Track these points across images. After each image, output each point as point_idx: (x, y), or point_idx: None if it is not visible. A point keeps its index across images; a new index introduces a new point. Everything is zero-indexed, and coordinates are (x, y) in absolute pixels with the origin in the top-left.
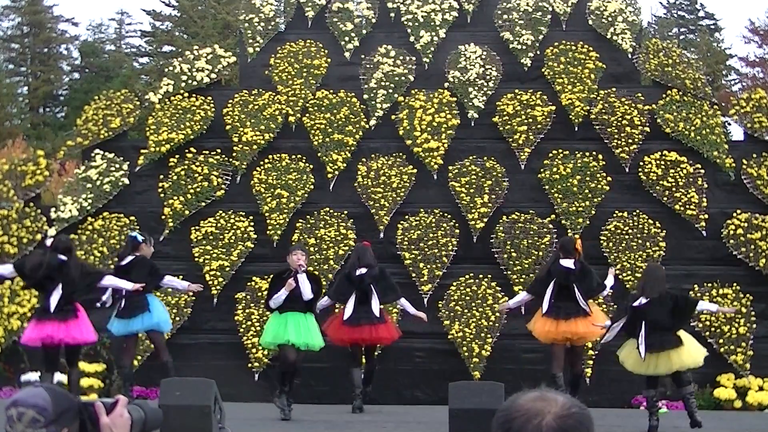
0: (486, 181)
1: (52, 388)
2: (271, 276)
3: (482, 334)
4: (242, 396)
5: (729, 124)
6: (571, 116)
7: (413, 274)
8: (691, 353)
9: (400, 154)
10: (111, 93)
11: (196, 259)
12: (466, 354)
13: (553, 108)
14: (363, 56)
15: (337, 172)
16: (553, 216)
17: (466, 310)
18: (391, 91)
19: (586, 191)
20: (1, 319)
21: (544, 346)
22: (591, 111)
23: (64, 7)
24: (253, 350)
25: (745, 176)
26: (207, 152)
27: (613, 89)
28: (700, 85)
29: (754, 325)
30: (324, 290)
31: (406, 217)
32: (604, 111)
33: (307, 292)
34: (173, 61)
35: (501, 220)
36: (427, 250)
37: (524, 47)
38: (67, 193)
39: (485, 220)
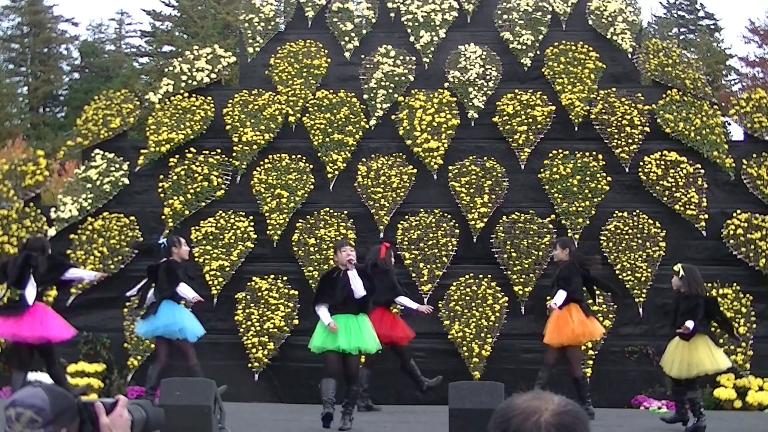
0: (486, 181)
1: (51, 388)
2: (321, 277)
3: (482, 334)
4: (242, 396)
5: (729, 124)
6: (571, 116)
7: (413, 274)
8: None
9: (400, 154)
10: (111, 93)
11: (196, 259)
12: (466, 354)
13: (553, 108)
14: (363, 56)
15: (337, 172)
16: (553, 216)
17: (466, 310)
18: (391, 91)
19: (586, 191)
20: None
21: (544, 347)
22: (591, 111)
23: (64, 7)
24: (253, 350)
25: (745, 176)
26: (207, 152)
27: (613, 89)
28: (700, 85)
29: (754, 325)
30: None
31: (406, 217)
32: (604, 111)
33: (359, 290)
34: (173, 61)
35: (501, 220)
36: (427, 250)
37: (524, 47)
38: (67, 193)
39: (485, 220)
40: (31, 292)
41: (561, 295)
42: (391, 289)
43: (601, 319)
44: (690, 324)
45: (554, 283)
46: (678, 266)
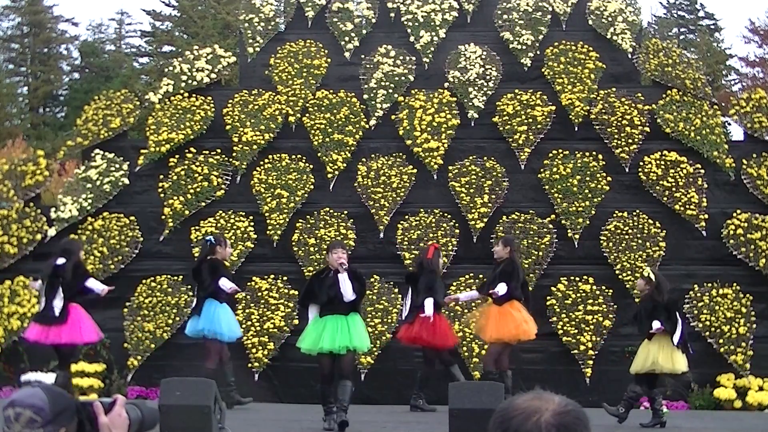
0: (486, 181)
1: (50, 387)
2: (310, 277)
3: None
4: (242, 396)
5: (729, 124)
6: (571, 116)
7: None
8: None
9: (400, 154)
10: (111, 93)
11: (196, 259)
12: (466, 354)
13: (553, 108)
14: (363, 56)
15: (337, 172)
16: (553, 216)
17: (466, 310)
18: (391, 91)
19: (586, 191)
20: (1, 319)
21: (544, 347)
22: (591, 111)
23: (64, 7)
24: (253, 350)
25: (745, 176)
26: (207, 152)
27: (613, 89)
28: (700, 85)
29: (754, 325)
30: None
31: (406, 217)
32: (604, 111)
33: (348, 293)
34: (173, 61)
35: (501, 220)
36: None
37: (524, 47)
38: (67, 193)
39: (485, 220)
40: (58, 303)
41: (503, 288)
42: (428, 290)
43: (600, 319)
44: (656, 324)
45: (495, 278)
46: (647, 270)
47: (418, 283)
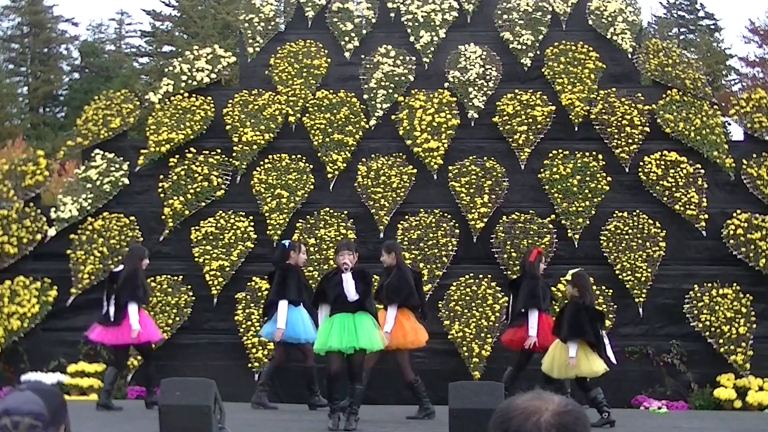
0: (486, 181)
1: (39, 388)
2: (321, 278)
3: (482, 334)
4: (242, 396)
5: (729, 124)
6: (571, 116)
7: None
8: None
9: (400, 154)
10: (111, 93)
11: (196, 259)
12: (466, 354)
13: (553, 108)
14: (363, 56)
15: (337, 172)
16: (553, 216)
17: (466, 310)
18: (391, 91)
19: (586, 191)
20: (1, 319)
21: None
22: (591, 111)
23: (64, 7)
24: (253, 350)
25: (745, 176)
26: (207, 152)
27: (613, 89)
28: (700, 85)
29: (754, 325)
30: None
31: (406, 217)
32: (604, 111)
33: (351, 293)
34: (173, 61)
35: (501, 220)
36: (427, 250)
37: (524, 47)
38: (67, 193)
39: (485, 220)
40: (111, 309)
41: (391, 316)
42: (529, 298)
43: None
44: (572, 358)
45: (379, 290)
46: (571, 272)
47: (520, 289)
